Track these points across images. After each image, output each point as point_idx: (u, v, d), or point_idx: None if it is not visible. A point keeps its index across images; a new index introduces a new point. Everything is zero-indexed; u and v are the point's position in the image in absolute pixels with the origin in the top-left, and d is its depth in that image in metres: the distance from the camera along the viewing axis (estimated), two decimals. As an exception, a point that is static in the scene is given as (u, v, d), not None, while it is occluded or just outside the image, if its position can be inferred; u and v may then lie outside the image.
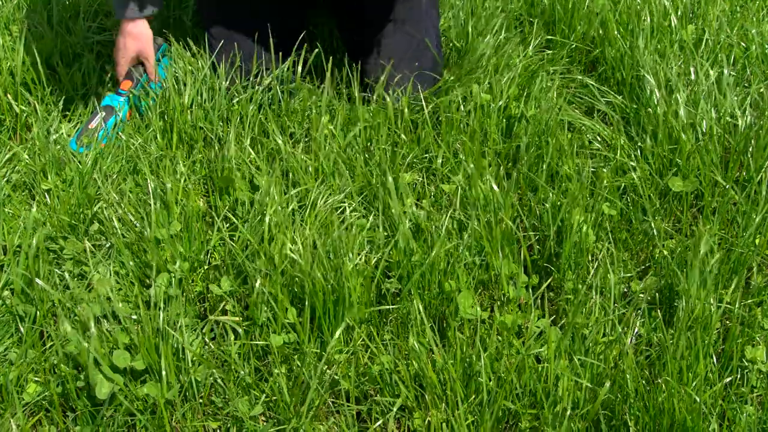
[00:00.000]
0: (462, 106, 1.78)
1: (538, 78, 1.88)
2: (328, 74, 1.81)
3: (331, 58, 1.84)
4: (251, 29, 1.86)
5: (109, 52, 1.98)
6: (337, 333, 1.33)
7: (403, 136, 1.73)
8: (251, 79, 1.82)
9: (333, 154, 1.67)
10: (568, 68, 1.99)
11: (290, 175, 1.65)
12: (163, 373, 1.27)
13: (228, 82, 1.82)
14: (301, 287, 1.38)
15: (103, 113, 1.78)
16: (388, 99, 1.76)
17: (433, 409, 1.26)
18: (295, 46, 1.85)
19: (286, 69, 1.83)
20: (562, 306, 1.43)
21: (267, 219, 1.48)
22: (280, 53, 1.84)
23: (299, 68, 1.81)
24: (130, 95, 1.82)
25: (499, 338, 1.34)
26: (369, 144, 1.72)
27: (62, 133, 1.77)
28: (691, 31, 2.05)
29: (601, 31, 2.02)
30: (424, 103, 1.77)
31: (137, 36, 1.81)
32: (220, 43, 1.85)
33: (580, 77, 1.94)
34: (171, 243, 1.47)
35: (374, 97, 1.80)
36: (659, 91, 1.78)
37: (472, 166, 1.62)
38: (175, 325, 1.33)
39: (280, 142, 1.68)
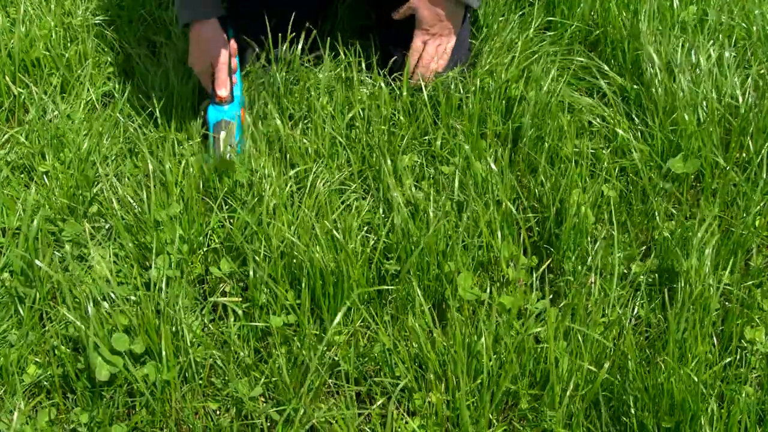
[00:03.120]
0: (461, 88, 1.78)
1: (539, 59, 1.87)
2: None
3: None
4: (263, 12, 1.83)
5: (110, 34, 1.97)
6: (339, 316, 1.33)
7: (401, 117, 1.72)
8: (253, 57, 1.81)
9: (332, 133, 1.67)
10: (569, 49, 1.98)
11: (288, 156, 1.64)
12: (163, 354, 1.28)
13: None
14: (300, 268, 1.38)
15: (223, 132, 1.64)
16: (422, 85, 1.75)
17: (433, 389, 1.26)
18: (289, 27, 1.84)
19: (284, 51, 1.82)
20: (562, 287, 1.43)
21: (265, 201, 1.48)
22: (279, 35, 1.83)
23: (298, 50, 1.80)
24: (232, 99, 1.69)
25: (499, 319, 1.34)
26: (368, 126, 1.71)
27: (58, 114, 1.76)
28: (693, 12, 2.04)
29: (602, 12, 2.01)
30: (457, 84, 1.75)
31: (211, 40, 1.68)
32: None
33: (580, 58, 1.93)
34: (170, 224, 1.47)
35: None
36: (660, 72, 1.77)
37: (468, 147, 1.61)
38: (175, 307, 1.33)
39: (279, 123, 1.68)
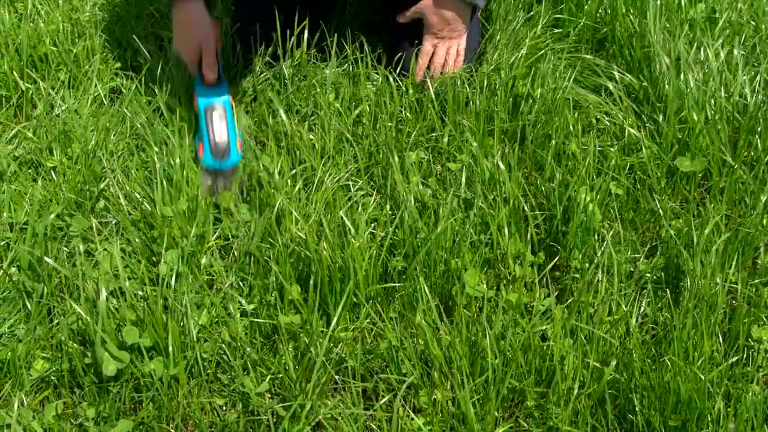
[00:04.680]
0: (467, 85, 1.77)
1: (546, 57, 1.87)
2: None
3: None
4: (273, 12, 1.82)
5: (118, 30, 1.98)
6: (340, 309, 1.33)
7: (408, 114, 1.72)
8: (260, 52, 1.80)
9: (339, 129, 1.67)
10: (576, 47, 1.97)
11: (295, 153, 1.64)
12: (170, 349, 1.28)
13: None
14: (307, 265, 1.38)
15: (216, 114, 1.62)
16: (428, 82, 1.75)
17: (439, 386, 1.26)
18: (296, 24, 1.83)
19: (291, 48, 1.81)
20: (569, 285, 1.43)
21: (276, 198, 1.48)
22: (288, 31, 1.83)
23: (304, 46, 1.80)
24: (220, 81, 1.68)
25: (505, 316, 1.34)
26: (375, 122, 1.71)
27: (65, 109, 1.76)
28: (701, 9, 2.03)
29: (609, 9, 2.00)
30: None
31: (196, 21, 1.67)
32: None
33: (588, 56, 1.92)
34: (177, 220, 1.47)
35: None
36: (668, 70, 1.76)
37: (475, 144, 1.61)
38: (182, 302, 1.33)
39: (285, 119, 1.68)
